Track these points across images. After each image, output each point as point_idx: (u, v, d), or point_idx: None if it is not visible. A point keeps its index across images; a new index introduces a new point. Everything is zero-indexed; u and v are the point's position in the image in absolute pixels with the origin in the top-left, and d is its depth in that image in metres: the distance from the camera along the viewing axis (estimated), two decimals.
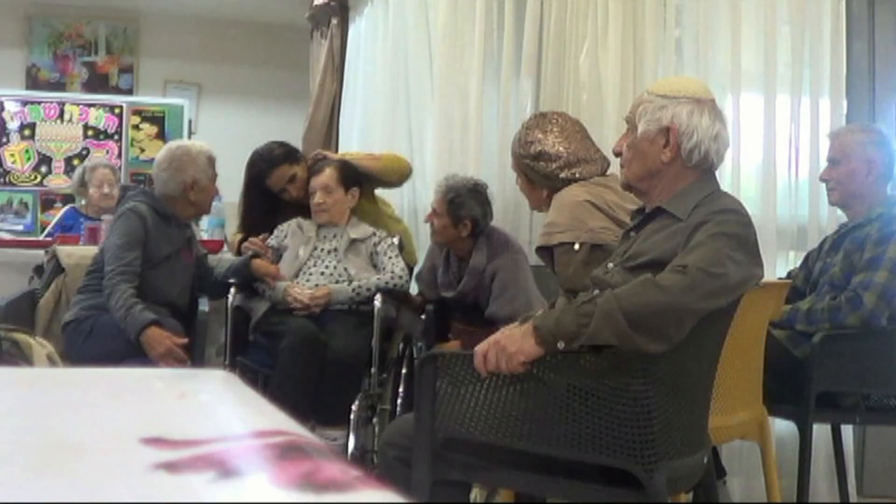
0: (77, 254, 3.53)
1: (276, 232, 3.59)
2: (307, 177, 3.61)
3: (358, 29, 4.81)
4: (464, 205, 3.34)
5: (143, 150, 6.48)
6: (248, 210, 3.71)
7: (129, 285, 3.13)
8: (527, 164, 2.77)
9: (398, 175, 3.73)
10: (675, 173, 2.08)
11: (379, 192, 3.87)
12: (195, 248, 3.55)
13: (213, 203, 4.46)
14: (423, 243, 3.91)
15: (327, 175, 3.53)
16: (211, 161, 3.44)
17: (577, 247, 2.52)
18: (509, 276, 3.29)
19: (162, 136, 6.49)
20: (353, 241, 3.51)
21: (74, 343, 3.17)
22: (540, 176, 2.75)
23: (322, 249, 3.50)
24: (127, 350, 3.06)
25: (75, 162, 6.23)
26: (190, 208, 3.43)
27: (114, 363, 2.96)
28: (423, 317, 3.52)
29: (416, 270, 3.73)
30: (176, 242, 3.38)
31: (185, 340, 3.10)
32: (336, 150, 4.92)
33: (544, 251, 2.65)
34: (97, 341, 3.12)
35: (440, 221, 3.38)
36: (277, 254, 3.54)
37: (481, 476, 2.18)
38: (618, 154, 2.20)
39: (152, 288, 3.24)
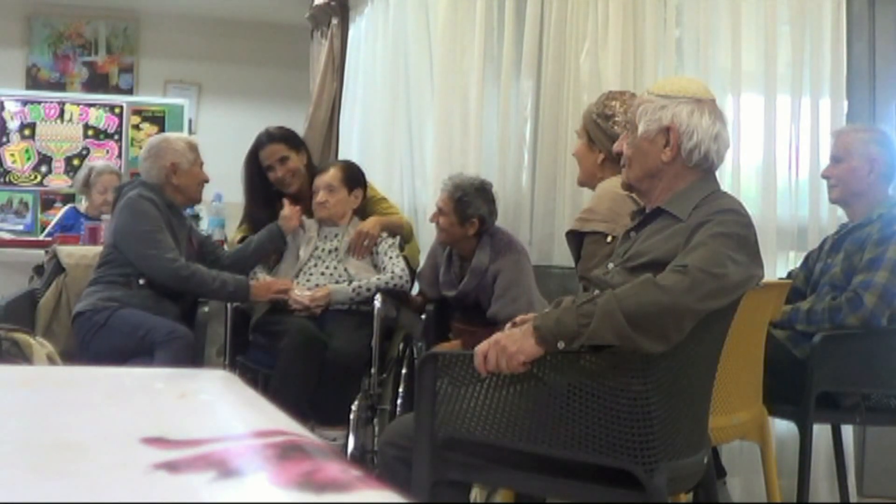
0: (77, 254, 3.53)
1: None
2: (307, 172, 3.63)
3: (358, 29, 4.81)
4: (471, 203, 3.32)
5: None
6: (249, 192, 3.70)
7: (193, 263, 3.28)
8: (595, 122, 2.82)
9: (410, 238, 3.83)
10: (675, 173, 2.08)
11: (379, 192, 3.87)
12: (195, 237, 3.56)
13: (214, 203, 4.48)
14: (423, 243, 3.91)
15: (331, 174, 3.54)
16: (191, 146, 3.50)
17: (609, 239, 2.52)
18: (512, 277, 3.28)
19: None
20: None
21: (85, 334, 3.17)
22: (604, 136, 2.77)
23: (323, 250, 3.50)
24: (136, 348, 3.07)
25: (75, 162, 6.23)
26: (178, 195, 3.44)
27: (120, 360, 2.97)
28: (423, 317, 3.52)
29: (418, 270, 3.73)
30: (182, 233, 3.42)
31: (289, 285, 3.36)
32: (336, 150, 4.93)
33: (574, 235, 2.66)
34: (109, 335, 3.13)
35: (446, 220, 3.36)
36: (279, 254, 3.55)
37: (481, 476, 2.18)
38: (618, 154, 2.20)
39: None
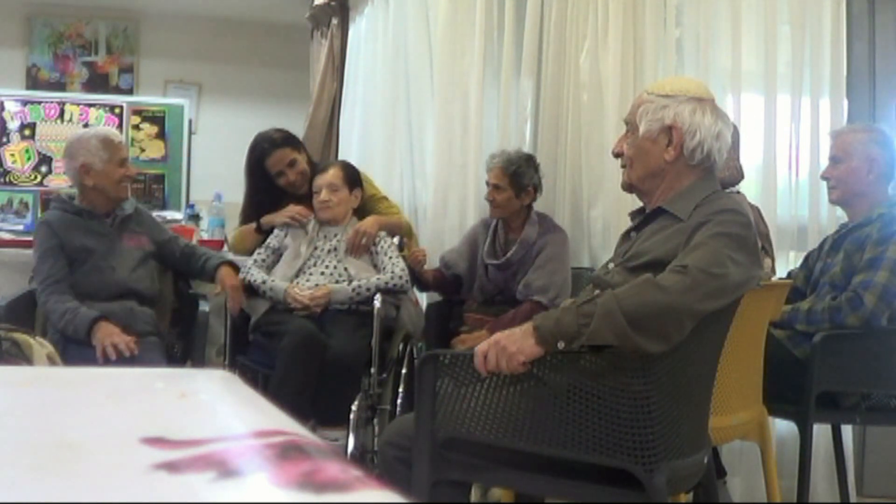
0: None
1: (276, 231, 3.59)
2: (310, 171, 3.64)
3: (358, 29, 4.81)
4: (525, 174, 3.49)
5: (143, 150, 6.47)
6: (250, 196, 3.72)
7: (59, 295, 3.10)
8: None
9: (409, 235, 3.83)
10: (676, 172, 2.08)
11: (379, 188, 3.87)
12: (147, 231, 3.40)
13: (214, 203, 4.48)
14: (423, 243, 3.91)
15: (332, 174, 3.54)
16: (107, 143, 3.27)
17: None
18: (555, 253, 3.45)
19: (162, 135, 6.48)
20: None
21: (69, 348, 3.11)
22: None
23: (322, 249, 3.50)
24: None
25: None
26: (98, 196, 3.28)
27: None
28: (424, 309, 3.54)
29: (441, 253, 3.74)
30: (105, 232, 3.27)
31: (130, 339, 3.00)
32: (336, 150, 4.93)
33: None
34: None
35: (503, 195, 3.48)
36: (277, 253, 3.54)
37: (481, 476, 2.18)
38: (617, 155, 2.19)
39: (94, 283, 3.18)
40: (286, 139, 3.67)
